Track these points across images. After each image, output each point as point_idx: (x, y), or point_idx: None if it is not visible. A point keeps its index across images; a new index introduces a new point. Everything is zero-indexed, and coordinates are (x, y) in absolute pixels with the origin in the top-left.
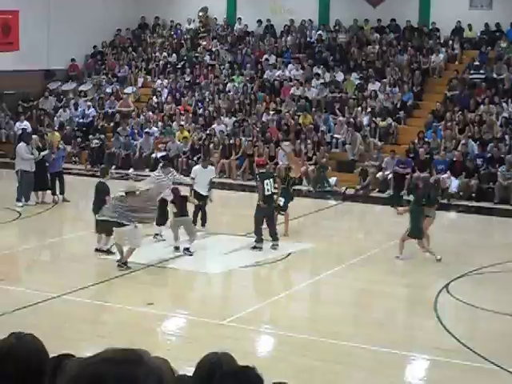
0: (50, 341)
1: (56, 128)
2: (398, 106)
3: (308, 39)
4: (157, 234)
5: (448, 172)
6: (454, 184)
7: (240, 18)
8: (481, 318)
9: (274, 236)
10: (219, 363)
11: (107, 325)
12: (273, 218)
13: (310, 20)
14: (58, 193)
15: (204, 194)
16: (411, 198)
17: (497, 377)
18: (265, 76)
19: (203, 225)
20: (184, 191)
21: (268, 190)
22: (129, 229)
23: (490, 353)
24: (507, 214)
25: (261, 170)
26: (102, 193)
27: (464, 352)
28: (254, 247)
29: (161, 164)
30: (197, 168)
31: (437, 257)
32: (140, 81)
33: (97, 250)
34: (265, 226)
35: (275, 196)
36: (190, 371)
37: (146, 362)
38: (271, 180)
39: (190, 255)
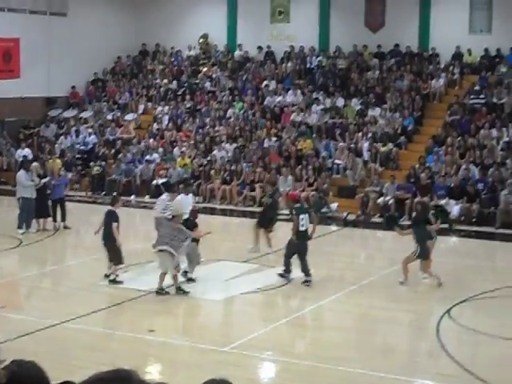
0: (51, 368)
1: (57, 155)
2: (399, 131)
3: (308, 65)
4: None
5: (446, 198)
6: (455, 209)
7: (240, 45)
8: (483, 343)
9: (307, 272)
10: None
11: (109, 352)
12: (305, 254)
13: (311, 46)
14: (59, 220)
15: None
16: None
17: None
18: (265, 102)
19: None
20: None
21: (303, 225)
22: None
23: (493, 378)
24: (509, 238)
25: (296, 205)
26: (111, 220)
27: (466, 378)
28: (282, 275)
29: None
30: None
31: (439, 281)
32: (141, 107)
33: (107, 275)
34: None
35: (309, 231)
36: None
37: (135, 380)
38: (307, 215)
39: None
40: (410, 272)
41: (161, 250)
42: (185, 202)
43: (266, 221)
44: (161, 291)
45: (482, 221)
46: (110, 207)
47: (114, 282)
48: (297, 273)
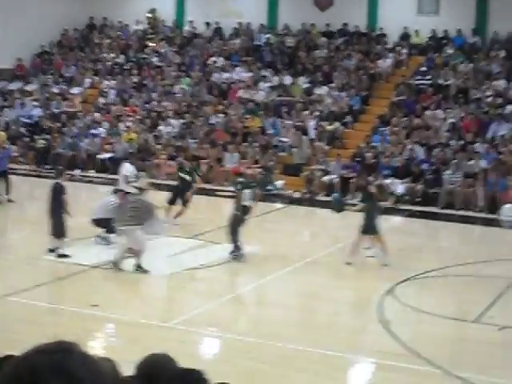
0: None
1: (1, 128)
2: (345, 110)
3: (256, 42)
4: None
5: (392, 177)
6: (399, 188)
7: (190, 21)
8: (425, 322)
9: (236, 246)
10: (160, 365)
11: (51, 326)
12: (241, 228)
13: (259, 24)
14: (3, 193)
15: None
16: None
17: (441, 380)
18: (212, 78)
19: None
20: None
21: (245, 200)
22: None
23: (434, 356)
24: (452, 218)
25: (240, 179)
26: (58, 193)
27: (408, 355)
28: (235, 255)
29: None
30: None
31: (384, 260)
32: (87, 81)
33: (51, 250)
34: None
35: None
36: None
37: (77, 351)
38: (250, 190)
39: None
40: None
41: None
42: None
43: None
44: (139, 268)
45: (426, 201)
46: (56, 180)
47: (62, 256)
48: (246, 247)
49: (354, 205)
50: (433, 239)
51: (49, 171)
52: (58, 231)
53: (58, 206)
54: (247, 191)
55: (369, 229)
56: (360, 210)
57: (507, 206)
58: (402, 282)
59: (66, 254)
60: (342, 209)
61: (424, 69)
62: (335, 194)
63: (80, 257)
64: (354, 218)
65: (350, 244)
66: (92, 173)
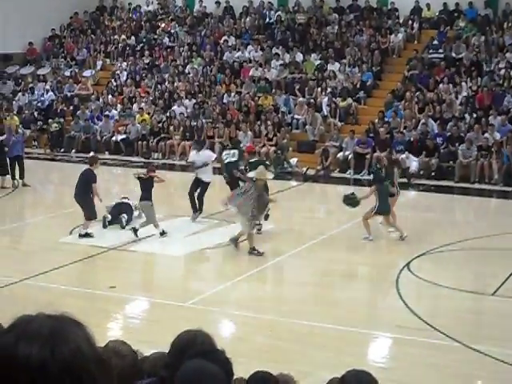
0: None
1: (15, 112)
2: (358, 86)
3: (267, 20)
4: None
5: (406, 152)
6: (414, 163)
7: (200, 0)
8: (442, 296)
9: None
10: (192, 343)
11: (69, 309)
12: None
13: (269, 1)
14: (17, 177)
15: (202, 179)
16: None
17: (459, 353)
18: (224, 58)
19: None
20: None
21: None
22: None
23: (452, 329)
24: (467, 192)
25: (253, 159)
26: (88, 180)
27: (426, 329)
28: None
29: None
30: (192, 153)
31: (403, 234)
32: (99, 64)
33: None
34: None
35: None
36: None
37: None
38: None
39: (136, 236)
40: (371, 226)
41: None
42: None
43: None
44: (253, 251)
45: (441, 175)
46: (88, 166)
47: (85, 235)
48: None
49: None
50: (448, 213)
51: (63, 155)
52: (90, 213)
53: (87, 192)
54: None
55: (383, 210)
56: (369, 194)
57: None
58: (418, 256)
59: (89, 232)
60: (358, 203)
61: (436, 42)
62: (347, 194)
63: (98, 239)
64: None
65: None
66: (106, 155)
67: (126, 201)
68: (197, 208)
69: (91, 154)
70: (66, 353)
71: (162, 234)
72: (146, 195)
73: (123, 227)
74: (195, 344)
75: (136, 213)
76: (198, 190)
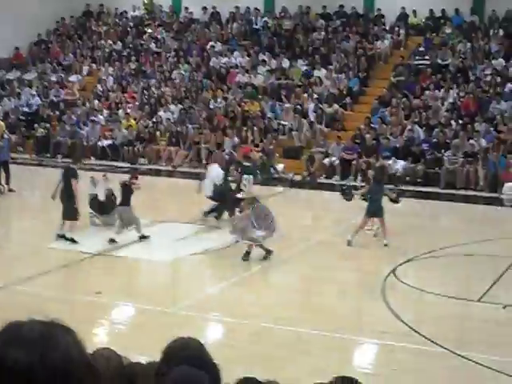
0: None
1: (0, 117)
2: (344, 92)
3: (254, 26)
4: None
5: (393, 158)
6: (400, 165)
7: (187, 8)
8: (427, 302)
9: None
10: (182, 350)
11: (55, 314)
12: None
13: (256, 7)
14: (3, 183)
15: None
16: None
17: (445, 359)
18: (211, 63)
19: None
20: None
21: (245, 185)
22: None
23: (439, 336)
24: (453, 198)
25: (246, 164)
26: (69, 177)
27: (412, 335)
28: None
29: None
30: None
31: (384, 241)
32: (85, 69)
33: (59, 236)
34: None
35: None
36: (139, 359)
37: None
38: (251, 177)
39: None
40: (356, 233)
41: None
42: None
43: None
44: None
45: (427, 181)
46: (70, 165)
47: (70, 240)
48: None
49: (357, 188)
50: (434, 219)
51: (49, 160)
52: (70, 214)
53: (69, 190)
54: (247, 177)
55: (375, 211)
56: (364, 194)
57: (508, 184)
58: (404, 262)
59: (75, 240)
60: (352, 196)
61: (422, 49)
62: (343, 186)
63: (83, 244)
64: (355, 200)
65: (354, 226)
66: (92, 160)
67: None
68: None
69: (78, 154)
70: (54, 358)
71: (143, 237)
72: (124, 201)
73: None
74: (184, 350)
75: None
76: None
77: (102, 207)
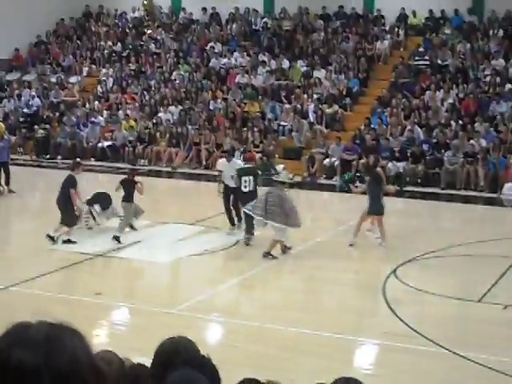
0: None
1: (0, 118)
2: (344, 92)
3: (253, 27)
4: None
5: (392, 159)
6: (399, 165)
7: (184, 9)
8: (428, 302)
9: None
10: (175, 351)
11: (55, 315)
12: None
13: (255, 8)
14: (3, 184)
15: (231, 185)
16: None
17: (446, 360)
18: (210, 64)
19: (239, 221)
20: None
21: (246, 186)
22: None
23: (439, 336)
24: (453, 198)
25: (247, 165)
26: (68, 185)
27: (413, 336)
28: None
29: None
30: (221, 161)
31: (382, 243)
32: (85, 70)
33: (49, 236)
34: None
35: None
36: (140, 360)
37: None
38: (251, 177)
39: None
40: (359, 232)
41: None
42: (225, 168)
43: None
44: (267, 255)
45: (427, 181)
46: (70, 172)
47: (68, 242)
48: (242, 234)
49: (357, 186)
50: (434, 220)
51: (49, 161)
52: (69, 221)
53: (67, 197)
54: (246, 178)
55: (375, 209)
56: (364, 192)
57: (508, 184)
58: (404, 263)
59: (73, 240)
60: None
61: (422, 49)
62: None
63: (83, 245)
64: (355, 201)
65: (353, 226)
66: (92, 161)
67: (104, 190)
68: (234, 222)
69: (76, 159)
70: (60, 360)
71: (117, 238)
72: (127, 197)
73: (94, 219)
74: (179, 352)
75: (111, 209)
76: (232, 199)
77: (104, 201)
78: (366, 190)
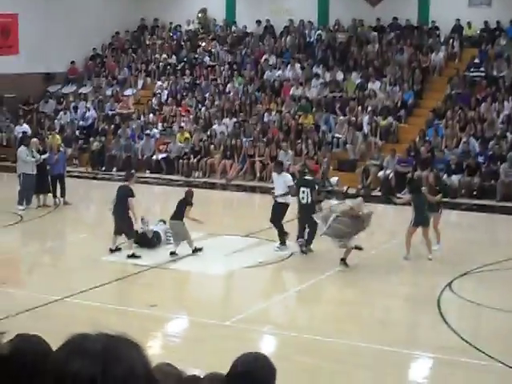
0: (53, 344)
1: (56, 131)
2: (399, 104)
3: (307, 39)
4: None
5: (448, 171)
6: (454, 178)
7: (236, 22)
8: (485, 316)
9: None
10: (253, 367)
11: (110, 326)
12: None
13: (310, 20)
14: (58, 195)
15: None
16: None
17: (502, 374)
18: (265, 76)
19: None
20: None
21: (303, 198)
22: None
23: (496, 351)
24: (509, 211)
25: (306, 177)
26: (125, 196)
27: (469, 350)
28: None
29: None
30: (273, 174)
31: (429, 256)
32: (140, 83)
33: (111, 250)
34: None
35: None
36: (194, 372)
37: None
38: (308, 189)
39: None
40: (412, 246)
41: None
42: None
43: None
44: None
45: (483, 194)
46: (124, 183)
47: (132, 256)
48: (296, 247)
49: (399, 197)
50: (490, 232)
51: (104, 173)
52: (128, 232)
53: (125, 208)
54: (304, 189)
55: (420, 221)
56: (407, 203)
57: None
58: (460, 276)
59: (137, 255)
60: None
61: (477, 61)
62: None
63: (141, 258)
64: (409, 213)
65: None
66: (147, 173)
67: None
68: (284, 239)
69: (131, 170)
70: (117, 371)
71: (195, 250)
72: (177, 215)
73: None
74: (256, 369)
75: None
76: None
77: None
78: (410, 201)
